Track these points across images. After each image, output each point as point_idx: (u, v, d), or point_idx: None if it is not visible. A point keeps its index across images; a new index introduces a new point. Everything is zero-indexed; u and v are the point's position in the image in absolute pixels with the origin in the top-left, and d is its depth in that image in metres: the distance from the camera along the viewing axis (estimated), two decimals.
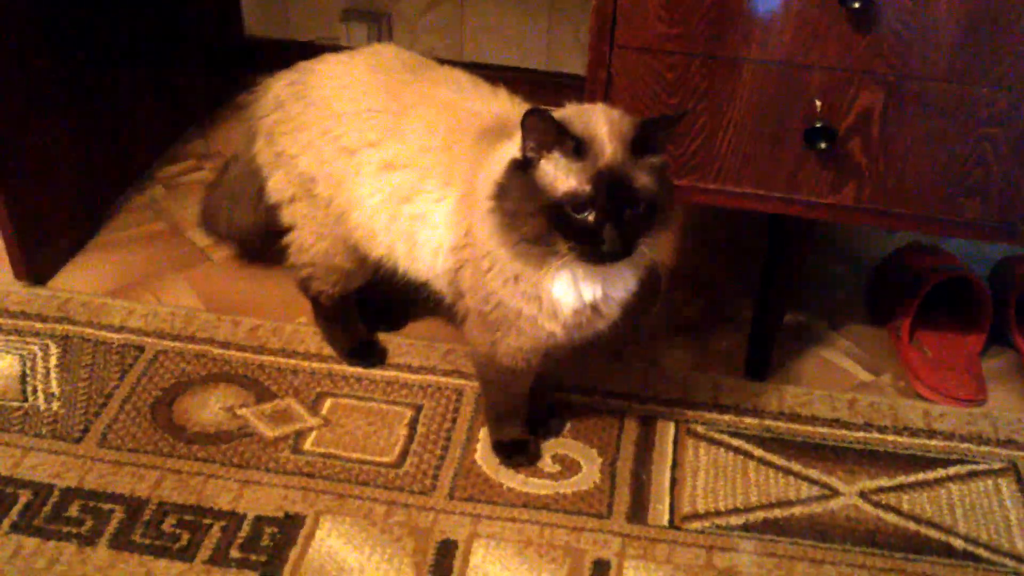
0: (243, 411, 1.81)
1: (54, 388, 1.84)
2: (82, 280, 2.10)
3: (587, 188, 1.34)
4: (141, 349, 1.93)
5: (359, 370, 1.90)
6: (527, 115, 1.33)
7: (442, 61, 1.70)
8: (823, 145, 1.53)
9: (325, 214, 1.70)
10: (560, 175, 1.35)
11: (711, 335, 2.05)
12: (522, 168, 1.38)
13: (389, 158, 1.59)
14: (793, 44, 1.50)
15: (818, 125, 1.52)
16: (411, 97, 1.61)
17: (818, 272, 2.22)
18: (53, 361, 1.90)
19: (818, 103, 1.53)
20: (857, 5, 1.41)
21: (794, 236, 1.78)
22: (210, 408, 1.82)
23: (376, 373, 1.90)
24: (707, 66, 1.55)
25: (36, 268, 2.07)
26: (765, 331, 1.89)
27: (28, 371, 1.88)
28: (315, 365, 1.91)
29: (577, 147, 1.34)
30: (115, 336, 1.95)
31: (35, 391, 1.84)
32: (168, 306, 2.04)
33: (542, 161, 1.36)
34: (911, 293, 2.00)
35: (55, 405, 1.81)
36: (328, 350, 1.94)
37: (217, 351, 1.93)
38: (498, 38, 2.62)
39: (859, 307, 2.15)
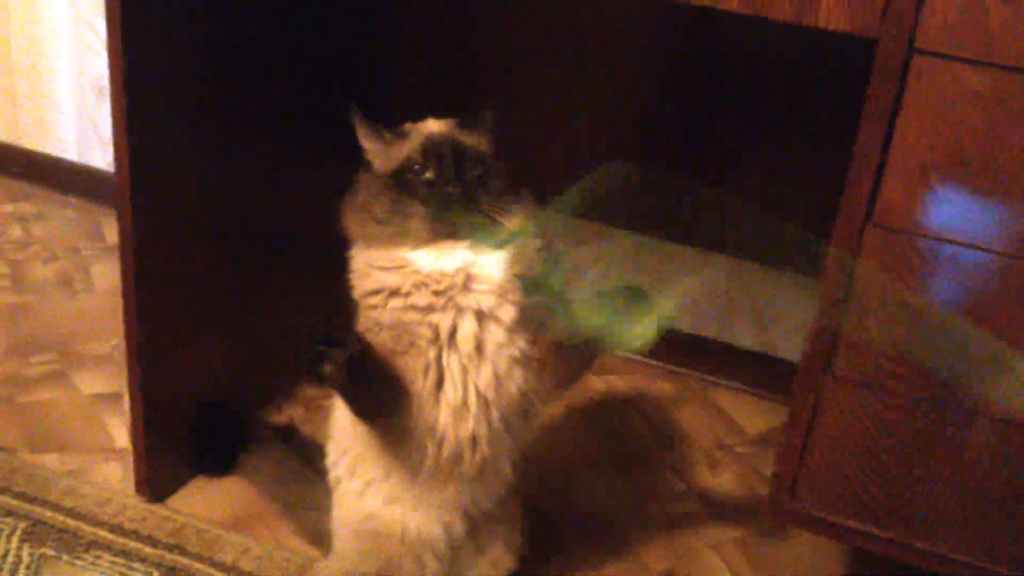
0: None
1: None
2: (203, 503, 1.96)
3: (418, 150, 1.46)
4: None
5: None
6: (351, 115, 1.50)
7: None
8: None
9: None
10: (394, 153, 1.48)
11: None
12: (365, 171, 1.50)
13: None
14: None
15: None
16: None
17: None
18: None
19: None
20: None
21: None
22: None
23: None
24: (936, 411, 1.35)
25: (158, 482, 1.94)
26: None
27: None
28: None
29: (403, 133, 1.50)
30: None
31: None
32: (284, 549, 1.88)
33: (379, 152, 1.50)
34: None
35: None
36: None
37: None
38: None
39: None
